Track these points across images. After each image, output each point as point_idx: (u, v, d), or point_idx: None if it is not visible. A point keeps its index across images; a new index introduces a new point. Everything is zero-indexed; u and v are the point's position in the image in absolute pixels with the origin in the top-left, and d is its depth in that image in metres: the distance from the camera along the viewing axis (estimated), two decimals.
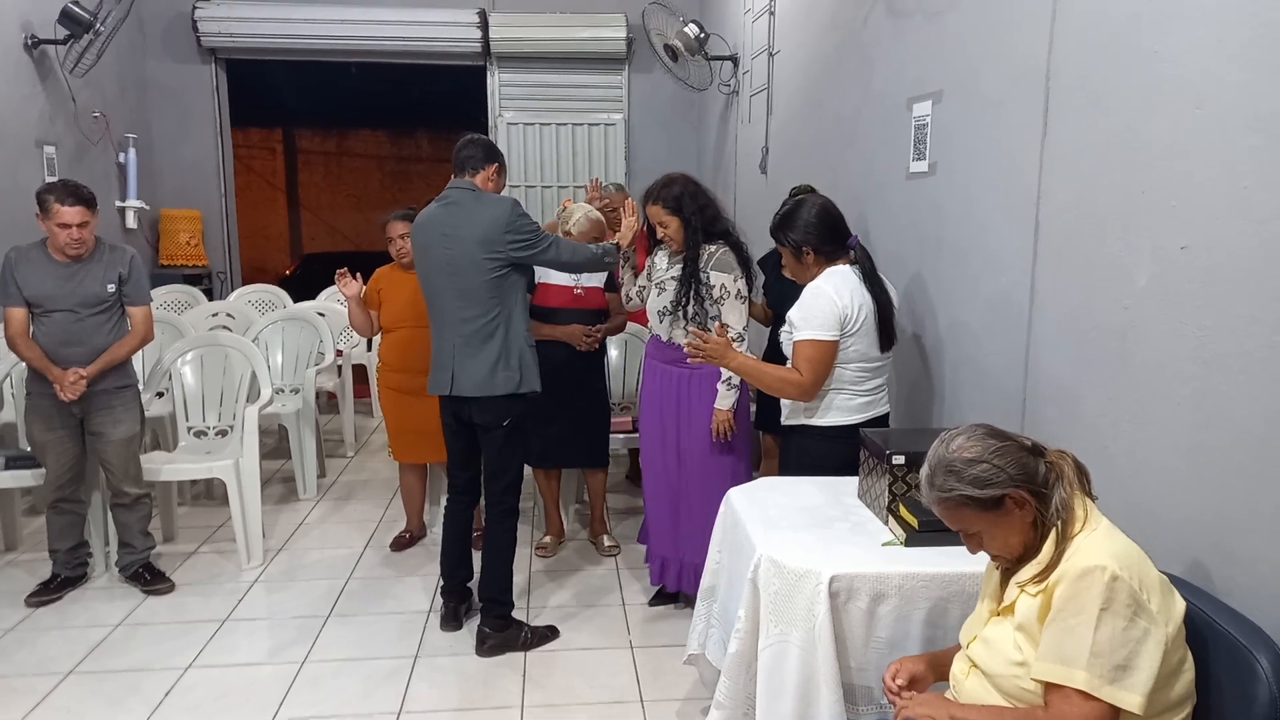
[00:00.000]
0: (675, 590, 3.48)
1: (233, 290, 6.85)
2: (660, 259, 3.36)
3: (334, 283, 3.93)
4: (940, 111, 2.86)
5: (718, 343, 2.76)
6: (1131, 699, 1.39)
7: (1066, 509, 1.56)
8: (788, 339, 2.75)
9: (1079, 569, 1.46)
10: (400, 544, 4.14)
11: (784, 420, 2.85)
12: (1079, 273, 2.15)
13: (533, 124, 7.25)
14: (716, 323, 3.09)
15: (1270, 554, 1.58)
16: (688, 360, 2.94)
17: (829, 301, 2.64)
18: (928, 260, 2.98)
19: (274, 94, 12.54)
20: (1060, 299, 2.24)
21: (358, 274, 3.87)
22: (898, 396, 3.23)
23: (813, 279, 2.76)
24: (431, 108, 12.92)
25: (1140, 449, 1.93)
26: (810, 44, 4.26)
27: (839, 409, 2.72)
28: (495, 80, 7.28)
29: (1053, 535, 1.55)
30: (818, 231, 2.75)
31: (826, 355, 2.64)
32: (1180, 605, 1.50)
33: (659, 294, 3.29)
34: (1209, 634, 1.52)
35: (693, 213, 3.17)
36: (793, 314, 2.71)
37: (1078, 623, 1.43)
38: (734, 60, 5.77)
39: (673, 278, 3.24)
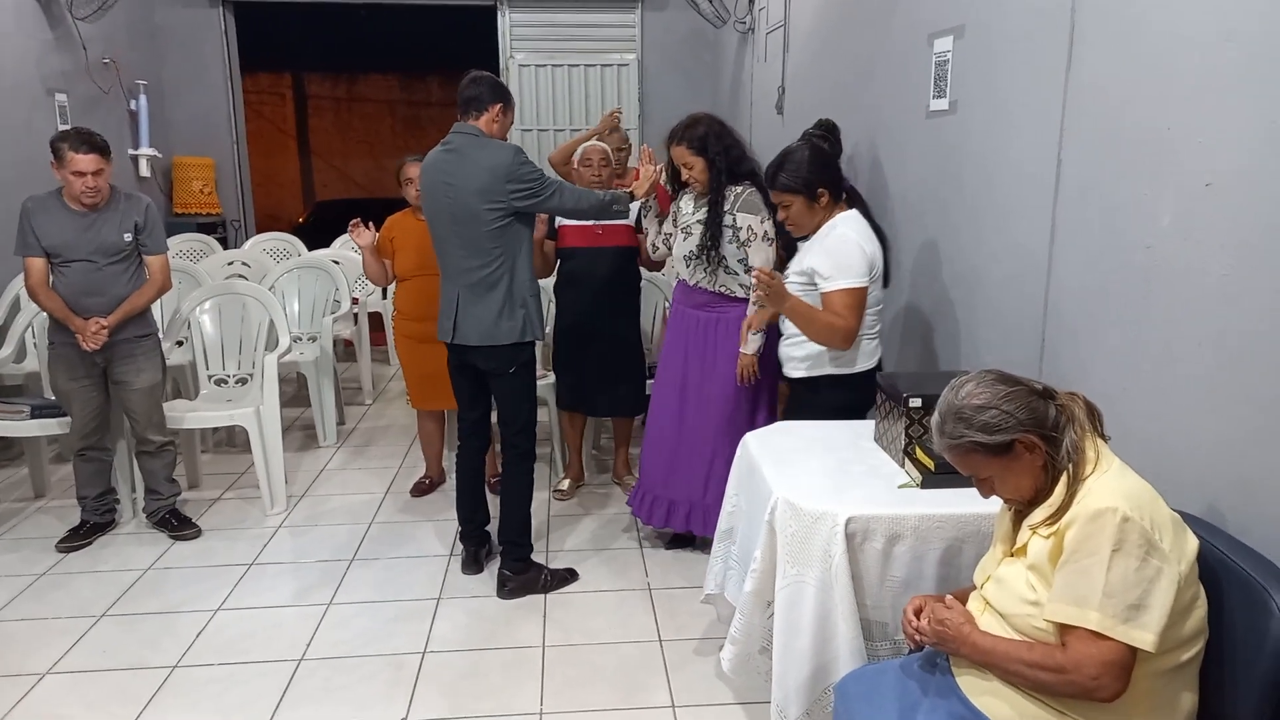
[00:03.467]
0: (663, 526, 3.48)
1: (247, 238, 6.86)
2: (685, 203, 3.32)
3: (347, 231, 3.93)
4: (962, 47, 2.80)
5: (781, 284, 2.69)
6: (1145, 637, 1.41)
7: (1077, 451, 1.56)
8: (801, 287, 2.74)
9: (1090, 511, 1.47)
10: (420, 490, 4.20)
11: (805, 373, 2.84)
12: (1101, 212, 2.12)
13: (544, 65, 7.15)
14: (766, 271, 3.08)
15: None
16: (752, 300, 2.91)
17: (858, 249, 2.67)
18: (947, 200, 2.94)
19: (282, 38, 12.37)
20: (1082, 239, 2.21)
21: (369, 223, 3.86)
22: (915, 339, 3.22)
23: (818, 226, 2.75)
24: (443, 50, 12.72)
25: (1161, 389, 1.92)
26: None
27: (865, 355, 2.74)
28: (506, 20, 7.17)
29: (1064, 478, 1.56)
30: (827, 171, 2.73)
31: (862, 301, 2.67)
32: (1193, 543, 1.51)
33: (685, 238, 3.26)
34: (1223, 571, 1.53)
35: (718, 153, 3.13)
36: (820, 264, 2.70)
37: (1090, 564, 1.44)
38: None
39: (698, 221, 3.20)
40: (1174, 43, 1.86)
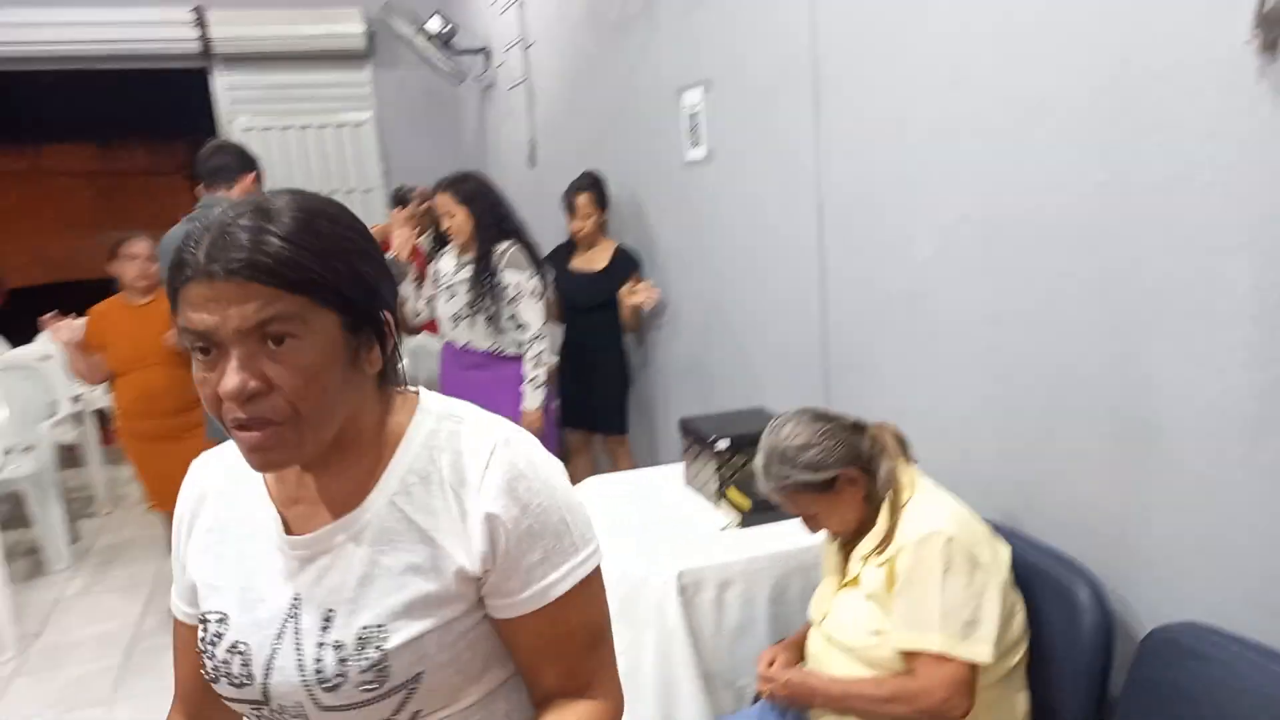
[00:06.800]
0: None
1: None
2: (446, 262, 3.26)
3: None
4: (712, 100, 2.93)
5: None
6: (982, 649, 1.49)
7: (893, 479, 1.64)
8: None
9: (917, 536, 1.54)
10: None
11: None
12: (865, 247, 2.27)
13: (271, 128, 6.73)
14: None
15: (1069, 492, 1.74)
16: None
17: None
18: (715, 245, 3.05)
19: None
20: (849, 273, 2.35)
21: (71, 314, 3.38)
22: (701, 383, 3.29)
23: None
24: (148, 115, 11.70)
25: (939, 408, 2.08)
26: (565, 35, 4.23)
27: None
28: (222, 83, 6.69)
29: (885, 506, 1.63)
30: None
31: None
32: (1006, 551, 1.63)
33: (450, 299, 3.18)
34: (1032, 574, 1.66)
35: (484, 209, 3.11)
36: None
37: (925, 589, 1.51)
38: (485, 53, 5.64)
39: (463, 280, 3.15)
40: (911, 92, 2.03)
